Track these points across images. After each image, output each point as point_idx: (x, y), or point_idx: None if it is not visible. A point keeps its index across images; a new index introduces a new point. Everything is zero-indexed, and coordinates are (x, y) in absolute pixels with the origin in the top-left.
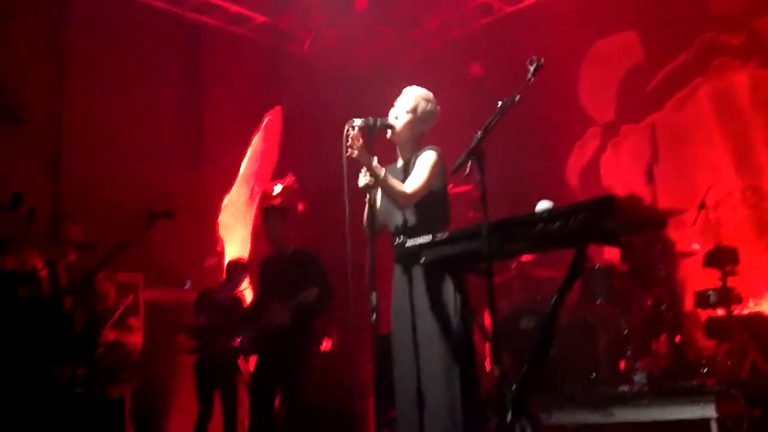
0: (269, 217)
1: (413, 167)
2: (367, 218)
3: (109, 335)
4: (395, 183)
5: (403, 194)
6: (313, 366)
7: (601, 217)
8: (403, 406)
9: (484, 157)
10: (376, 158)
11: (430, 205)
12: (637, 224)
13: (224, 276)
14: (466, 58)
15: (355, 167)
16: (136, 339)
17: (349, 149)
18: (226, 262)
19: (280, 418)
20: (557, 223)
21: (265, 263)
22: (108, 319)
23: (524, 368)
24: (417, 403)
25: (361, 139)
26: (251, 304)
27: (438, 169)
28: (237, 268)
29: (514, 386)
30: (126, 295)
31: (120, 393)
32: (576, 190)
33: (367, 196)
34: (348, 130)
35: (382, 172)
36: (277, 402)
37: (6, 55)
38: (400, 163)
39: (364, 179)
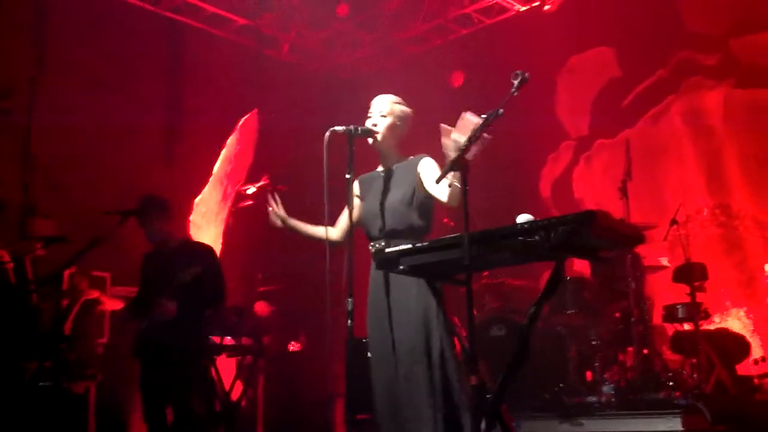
0: (141, 217)
1: (401, 176)
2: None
3: (75, 330)
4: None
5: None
6: (203, 369)
7: (581, 231)
8: (381, 411)
9: (467, 169)
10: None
11: (415, 212)
12: (615, 240)
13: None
14: (446, 67)
15: (334, 171)
16: (101, 335)
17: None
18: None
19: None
20: (537, 236)
21: (146, 258)
22: (73, 314)
23: (500, 378)
24: (398, 408)
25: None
26: (133, 301)
27: None
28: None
29: (489, 395)
30: (94, 292)
31: (85, 388)
32: (548, 201)
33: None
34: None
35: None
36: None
37: None
38: (380, 169)
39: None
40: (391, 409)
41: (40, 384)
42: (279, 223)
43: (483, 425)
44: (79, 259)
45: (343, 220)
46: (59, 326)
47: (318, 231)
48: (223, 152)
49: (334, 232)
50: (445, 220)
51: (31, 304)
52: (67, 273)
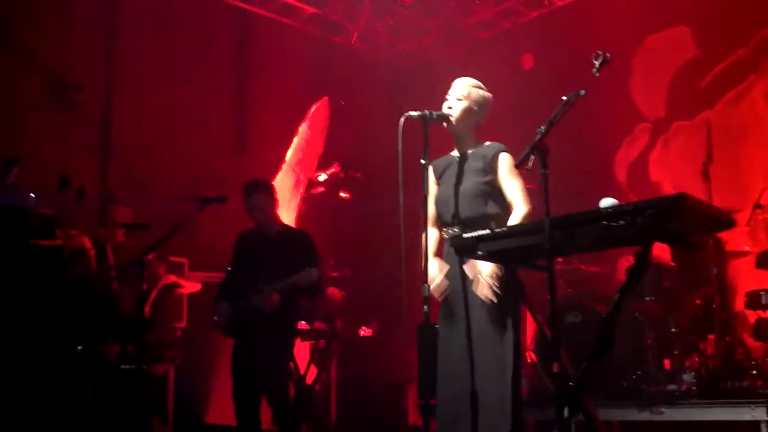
0: (250, 195)
1: (476, 161)
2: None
3: (154, 314)
4: (515, 219)
5: (527, 212)
6: (290, 355)
7: (670, 216)
8: (448, 397)
9: (547, 152)
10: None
11: (489, 199)
12: (704, 224)
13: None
14: (515, 51)
15: (407, 158)
16: (180, 319)
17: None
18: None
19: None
20: (623, 221)
21: (245, 238)
22: (152, 298)
23: (582, 366)
24: (467, 395)
25: None
26: (225, 281)
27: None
28: None
29: (571, 382)
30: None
31: (164, 371)
32: (624, 186)
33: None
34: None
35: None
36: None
37: (62, 40)
38: (455, 153)
39: None
40: (458, 393)
41: (123, 367)
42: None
43: (565, 412)
44: (160, 245)
45: (431, 210)
46: (141, 311)
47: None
48: (295, 140)
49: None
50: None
51: (113, 289)
52: (146, 259)
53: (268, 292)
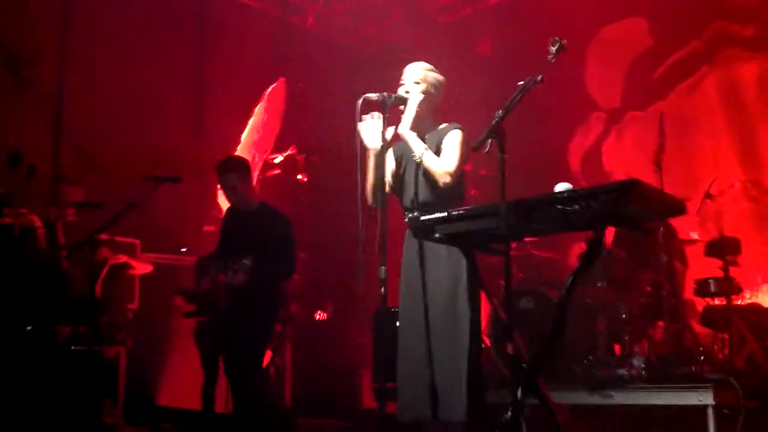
0: (224, 172)
1: (433, 144)
2: (374, 188)
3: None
4: (438, 159)
5: (447, 170)
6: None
7: (623, 200)
8: (407, 379)
9: (504, 136)
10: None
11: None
12: (657, 210)
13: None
14: (474, 37)
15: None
16: (132, 300)
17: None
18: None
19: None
20: (577, 205)
21: (227, 214)
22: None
23: (537, 348)
24: (425, 377)
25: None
26: (213, 255)
27: (465, 147)
28: None
29: (525, 365)
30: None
31: (116, 352)
32: (577, 174)
33: (370, 165)
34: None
35: (423, 146)
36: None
37: (14, 14)
38: None
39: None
40: (416, 377)
41: (73, 348)
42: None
43: (519, 394)
44: (112, 225)
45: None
46: (92, 292)
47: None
48: (251, 121)
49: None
50: (472, 192)
51: (62, 269)
52: (97, 238)
53: (240, 264)
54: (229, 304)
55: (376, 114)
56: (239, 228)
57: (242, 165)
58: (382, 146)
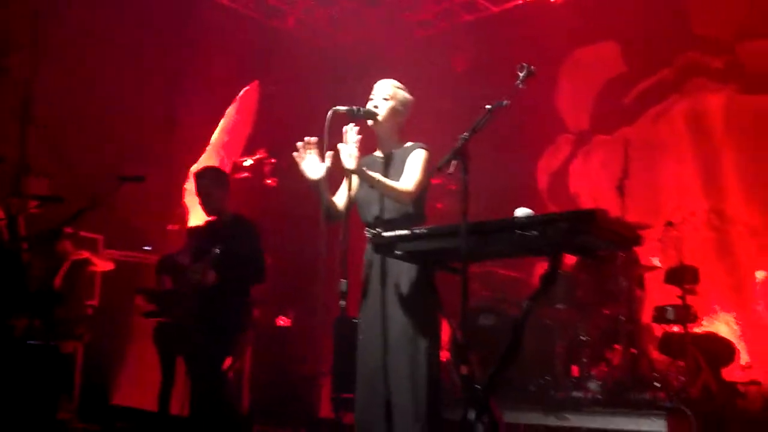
0: (202, 182)
1: (399, 162)
2: (325, 211)
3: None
4: (393, 183)
5: (406, 192)
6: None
7: (580, 230)
8: (364, 398)
9: (469, 158)
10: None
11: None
12: (613, 240)
13: (185, 242)
14: (451, 52)
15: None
16: (91, 296)
17: (349, 154)
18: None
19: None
20: (535, 231)
21: (196, 230)
22: (61, 274)
23: (492, 370)
24: (381, 393)
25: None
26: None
27: (429, 168)
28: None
29: (478, 385)
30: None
31: (73, 348)
32: (544, 193)
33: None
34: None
35: (377, 175)
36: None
37: None
38: (379, 154)
39: (350, 162)
40: (373, 392)
41: (29, 342)
42: (314, 175)
43: (472, 415)
44: (76, 220)
45: (342, 197)
46: (50, 285)
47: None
48: (222, 122)
49: (338, 203)
50: (438, 205)
51: (22, 262)
52: (59, 232)
53: (204, 268)
54: (198, 304)
55: (352, 138)
56: (211, 237)
57: (216, 173)
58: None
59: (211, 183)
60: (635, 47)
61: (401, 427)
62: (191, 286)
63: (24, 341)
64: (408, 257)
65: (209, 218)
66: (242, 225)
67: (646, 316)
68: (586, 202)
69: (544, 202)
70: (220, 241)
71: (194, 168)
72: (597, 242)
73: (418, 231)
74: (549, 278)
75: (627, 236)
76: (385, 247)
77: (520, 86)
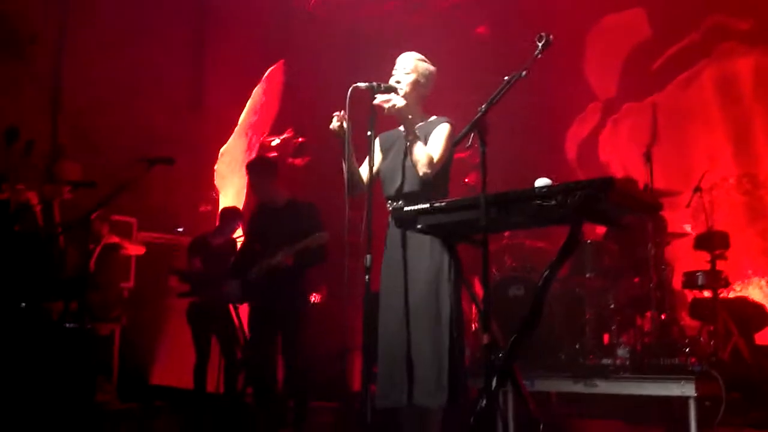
0: (253, 173)
1: (422, 136)
2: (354, 171)
3: (98, 273)
4: (425, 148)
5: (431, 159)
6: (310, 315)
7: (598, 197)
8: (386, 365)
9: (487, 130)
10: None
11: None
12: (632, 207)
13: (218, 223)
14: (472, 22)
15: (357, 127)
16: (127, 279)
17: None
18: (220, 209)
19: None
20: (554, 200)
21: (259, 212)
22: (95, 257)
23: (512, 338)
24: (403, 363)
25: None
26: (240, 253)
27: (452, 141)
28: (231, 215)
29: (501, 354)
30: (119, 236)
31: (110, 330)
32: (573, 162)
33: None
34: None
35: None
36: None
37: None
38: (402, 128)
39: (399, 100)
40: (394, 365)
41: (66, 325)
42: (341, 130)
43: (494, 383)
44: (107, 204)
45: (365, 173)
46: (85, 270)
47: (356, 167)
48: (249, 102)
49: (362, 174)
50: (465, 180)
51: (58, 246)
52: (91, 217)
53: (283, 253)
54: (265, 290)
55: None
56: (271, 224)
57: (262, 164)
58: (369, 135)
59: (259, 173)
60: (662, 12)
61: (426, 396)
62: (267, 269)
63: (60, 325)
64: (429, 230)
65: (265, 203)
66: (299, 206)
67: (677, 282)
68: (617, 171)
69: (573, 171)
70: (281, 227)
71: (223, 149)
72: (618, 210)
73: (438, 204)
74: (568, 246)
75: (648, 203)
76: (406, 221)
77: (539, 56)
